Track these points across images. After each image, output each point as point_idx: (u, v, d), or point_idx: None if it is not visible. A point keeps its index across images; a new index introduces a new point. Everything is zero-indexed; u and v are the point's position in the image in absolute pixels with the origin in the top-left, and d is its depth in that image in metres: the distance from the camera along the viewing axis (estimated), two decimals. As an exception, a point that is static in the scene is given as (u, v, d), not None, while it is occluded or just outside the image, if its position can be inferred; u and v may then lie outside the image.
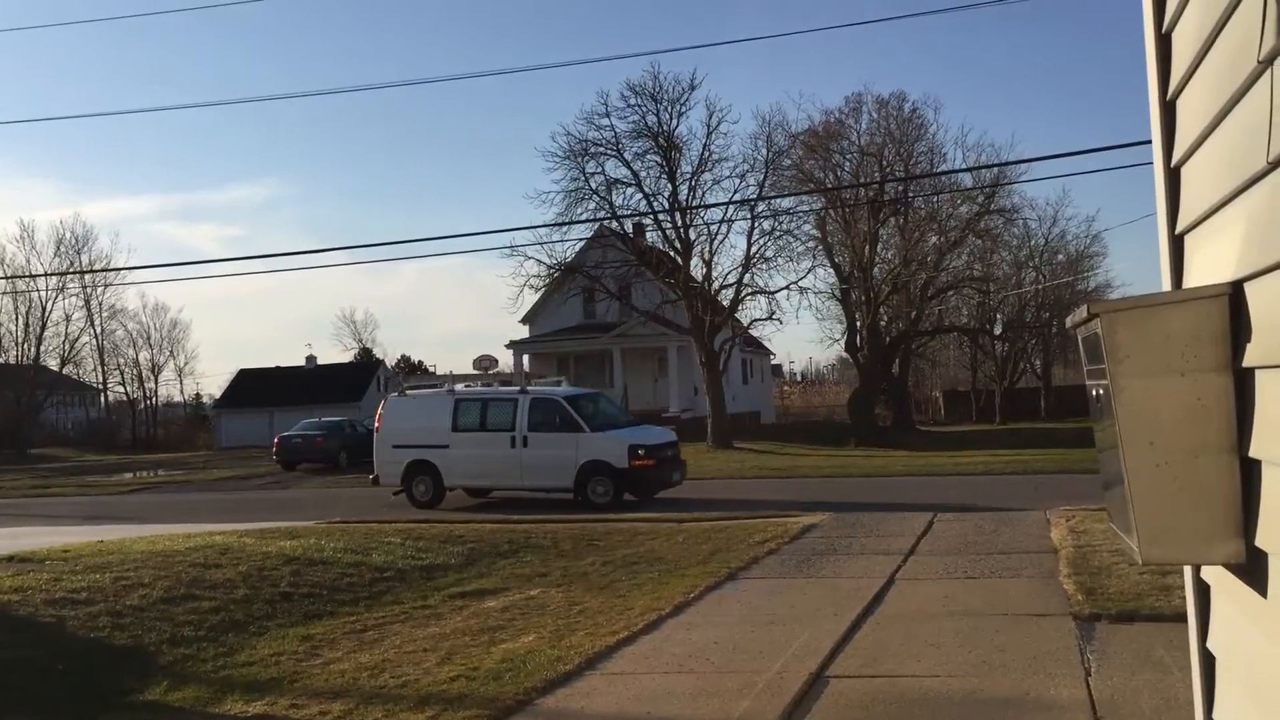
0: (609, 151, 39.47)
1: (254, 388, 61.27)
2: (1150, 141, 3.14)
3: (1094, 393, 2.97)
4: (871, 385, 43.16)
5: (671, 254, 40.81)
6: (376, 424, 21.57)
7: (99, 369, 69.92)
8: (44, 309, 63.43)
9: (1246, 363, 2.33)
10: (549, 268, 40.38)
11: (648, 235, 42.60)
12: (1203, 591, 2.97)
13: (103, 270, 62.88)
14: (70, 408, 72.57)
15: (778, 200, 40.92)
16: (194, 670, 8.31)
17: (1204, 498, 2.46)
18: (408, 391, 22.21)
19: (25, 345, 63.21)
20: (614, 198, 40.01)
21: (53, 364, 66.25)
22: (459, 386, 21.78)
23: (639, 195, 40.12)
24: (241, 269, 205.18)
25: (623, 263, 40.47)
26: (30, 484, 34.88)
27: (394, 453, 20.97)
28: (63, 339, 65.46)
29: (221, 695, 7.57)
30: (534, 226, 50.65)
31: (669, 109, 39.20)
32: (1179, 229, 2.97)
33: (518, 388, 21.20)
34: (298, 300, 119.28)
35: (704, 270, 40.02)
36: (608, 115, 39.15)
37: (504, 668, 7.79)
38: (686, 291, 38.88)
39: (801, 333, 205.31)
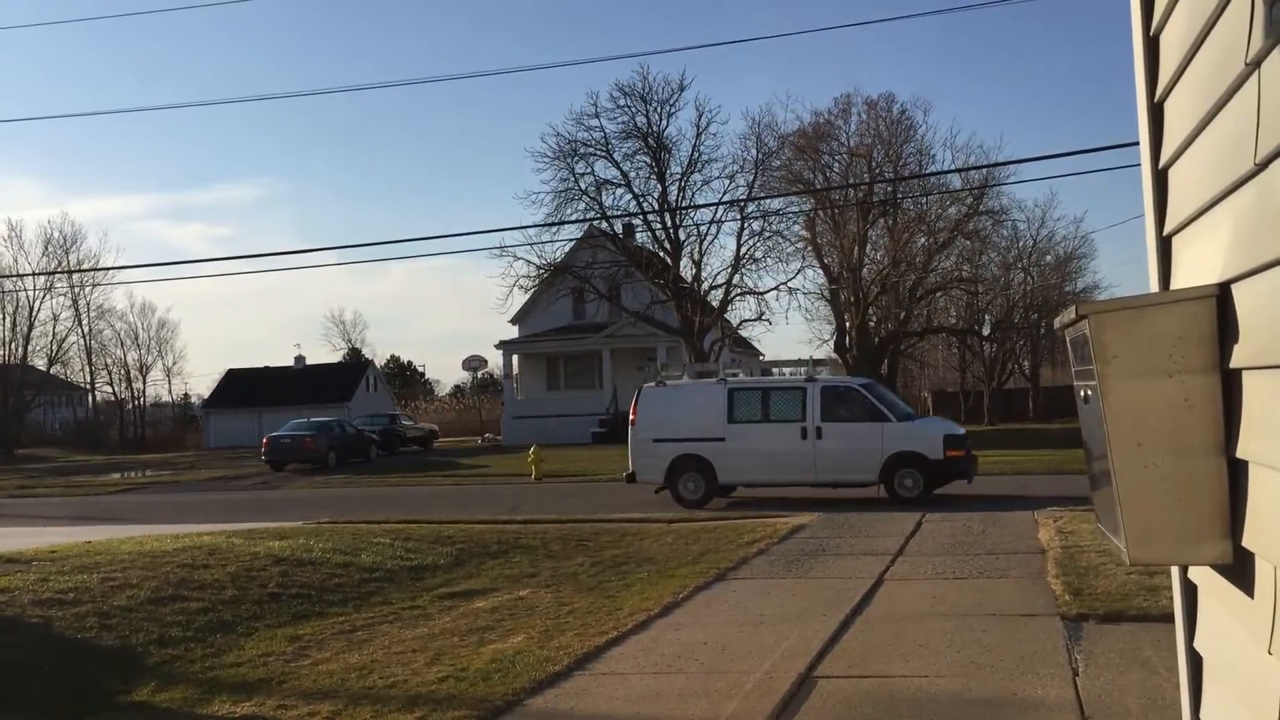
0: (598, 152, 39.58)
1: (243, 388, 61.10)
2: (1138, 143, 3.15)
3: (1082, 394, 2.98)
4: (860, 386, 43.14)
5: (661, 254, 40.88)
6: (631, 416, 19.76)
7: (87, 369, 69.72)
8: (31, 308, 63.20)
9: (1234, 364, 2.33)
10: (538, 268, 40.46)
11: (637, 236, 42.69)
12: (1190, 592, 2.99)
13: (91, 270, 62.71)
14: (58, 408, 72.26)
15: (767, 201, 41.09)
16: (181, 671, 8.28)
17: (1191, 498, 2.47)
18: (666, 381, 20.33)
19: (13, 345, 62.97)
20: (603, 198, 40.16)
21: (40, 364, 66.00)
22: (730, 375, 20.38)
23: (628, 196, 40.26)
24: (230, 269, 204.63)
25: (612, 263, 40.52)
26: (17, 484, 34.72)
27: (655, 447, 19.27)
28: (50, 339, 65.24)
29: (209, 696, 7.54)
30: (523, 227, 50.71)
31: (658, 110, 39.35)
32: (1167, 230, 2.98)
33: (804, 375, 19.42)
34: (286, 300, 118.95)
35: (693, 271, 40.16)
36: (597, 116, 39.27)
37: (493, 668, 7.78)
38: (676, 292, 38.93)
39: (791, 333, 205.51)
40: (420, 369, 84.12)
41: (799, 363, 22.13)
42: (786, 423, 18.68)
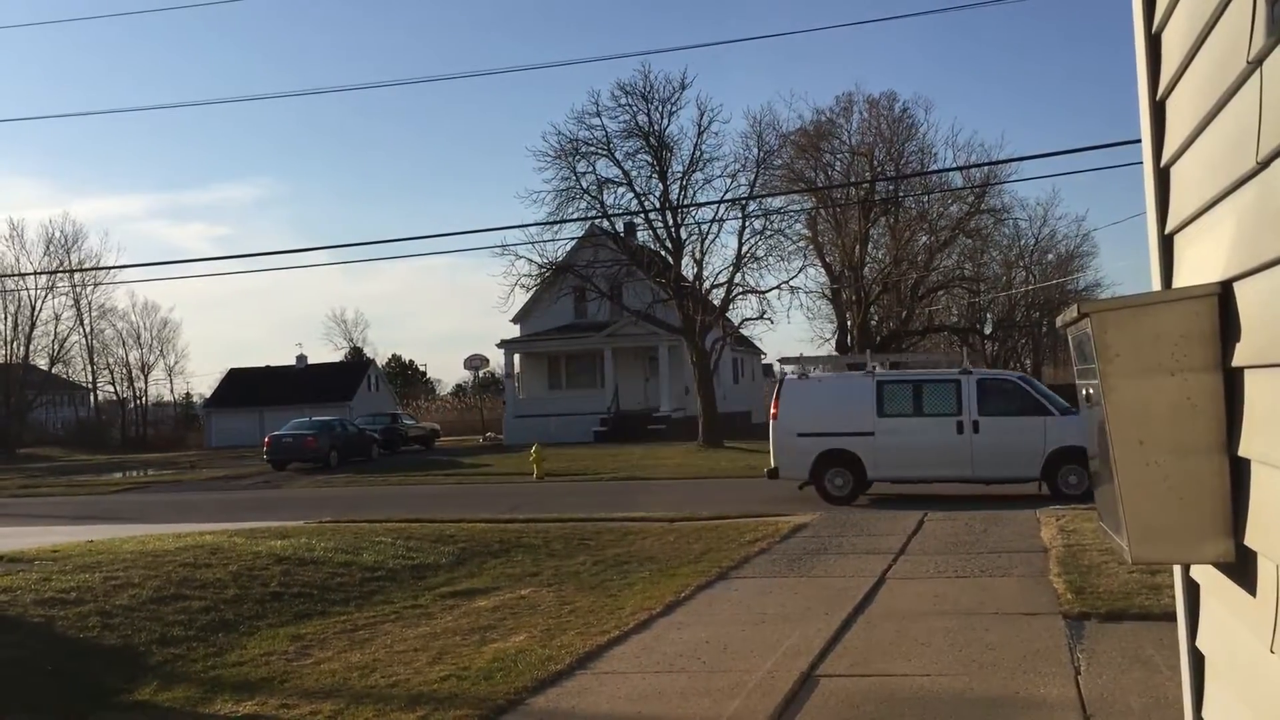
0: (600, 151, 39.50)
1: (244, 387, 61.15)
2: (1140, 141, 3.15)
3: (1084, 392, 2.98)
4: (862, 385, 43.14)
5: (662, 253, 40.82)
6: (773, 410, 19.06)
7: (88, 368, 69.82)
8: (33, 308, 63.32)
9: (1236, 362, 2.33)
10: (540, 267, 40.40)
11: (639, 234, 42.63)
12: (1192, 590, 2.99)
13: (92, 269, 62.78)
14: (59, 407, 72.32)
15: (768, 199, 41.04)
16: (184, 670, 8.29)
17: (1193, 497, 2.47)
18: (810, 374, 19.78)
19: (14, 345, 63.07)
20: (605, 197, 40.07)
21: (42, 363, 66.09)
22: (876, 367, 19.77)
23: (630, 194, 40.18)
24: (231, 268, 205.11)
25: (614, 262, 40.48)
26: (19, 484, 34.74)
27: (799, 442, 18.58)
28: (52, 338, 65.37)
29: (211, 695, 7.55)
30: (525, 225, 50.68)
31: (660, 108, 39.25)
32: (1169, 229, 2.98)
33: (958, 368, 18.86)
34: (288, 300, 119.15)
35: (695, 269, 40.08)
36: (599, 115, 39.19)
37: (495, 667, 7.78)
38: (677, 291, 38.88)
39: (792, 332, 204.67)
40: (422, 368, 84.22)
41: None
42: (941, 416, 18.19)
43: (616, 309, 43.05)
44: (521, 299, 43.63)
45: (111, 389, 71.73)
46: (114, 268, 65.74)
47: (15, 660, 8.10)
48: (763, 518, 16.12)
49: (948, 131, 79.97)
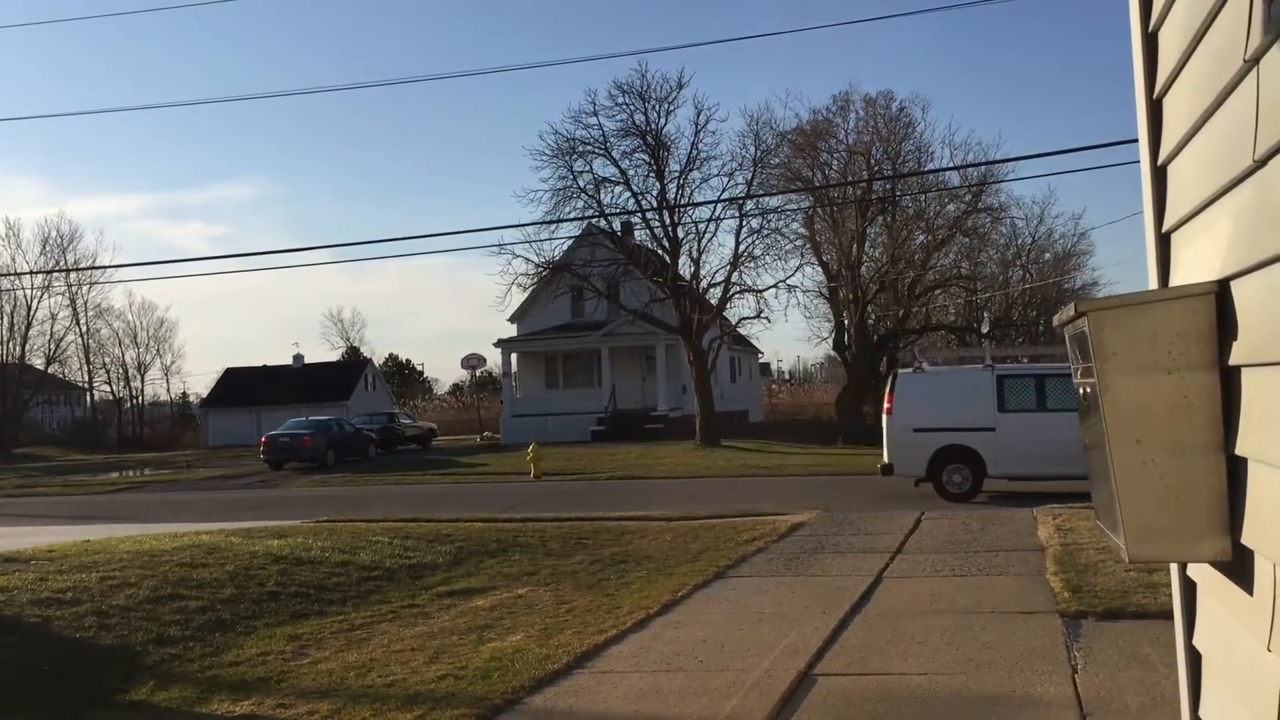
0: (597, 150, 39.46)
1: (241, 387, 61.07)
2: (1137, 140, 3.15)
3: (1081, 391, 2.98)
4: (859, 383, 43.20)
5: (660, 252, 40.80)
6: (887, 405, 18.69)
7: (85, 368, 69.64)
8: (29, 307, 63.16)
9: (1233, 360, 2.33)
10: (537, 266, 40.36)
11: (636, 234, 42.59)
12: (1189, 589, 2.99)
13: (88, 268, 62.69)
14: (56, 407, 72.19)
15: (766, 199, 41.01)
16: (180, 670, 8.28)
17: (1190, 495, 2.47)
18: (926, 367, 19.32)
19: (10, 344, 62.89)
20: (602, 196, 40.02)
21: (38, 363, 65.94)
22: (993, 362, 19.26)
23: (627, 194, 40.14)
24: (227, 267, 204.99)
25: (611, 261, 40.46)
26: (15, 483, 34.68)
27: (915, 438, 18.20)
28: (48, 338, 65.21)
29: (208, 695, 7.54)
30: (522, 225, 50.62)
31: (657, 108, 39.21)
32: (1165, 227, 2.98)
33: None
34: (285, 299, 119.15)
35: (692, 269, 40.06)
36: (595, 114, 39.15)
37: (492, 666, 7.77)
38: (674, 290, 38.86)
39: (789, 331, 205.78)
40: (419, 367, 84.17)
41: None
42: (1066, 412, 17.41)
43: (614, 308, 43.03)
44: (519, 298, 43.66)
45: (108, 388, 71.67)
46: (110, 267, 65.76)
47: (12, 660, 8.09)
48: (760, 517, 16.13)
49: (945, 130, 79.93)
